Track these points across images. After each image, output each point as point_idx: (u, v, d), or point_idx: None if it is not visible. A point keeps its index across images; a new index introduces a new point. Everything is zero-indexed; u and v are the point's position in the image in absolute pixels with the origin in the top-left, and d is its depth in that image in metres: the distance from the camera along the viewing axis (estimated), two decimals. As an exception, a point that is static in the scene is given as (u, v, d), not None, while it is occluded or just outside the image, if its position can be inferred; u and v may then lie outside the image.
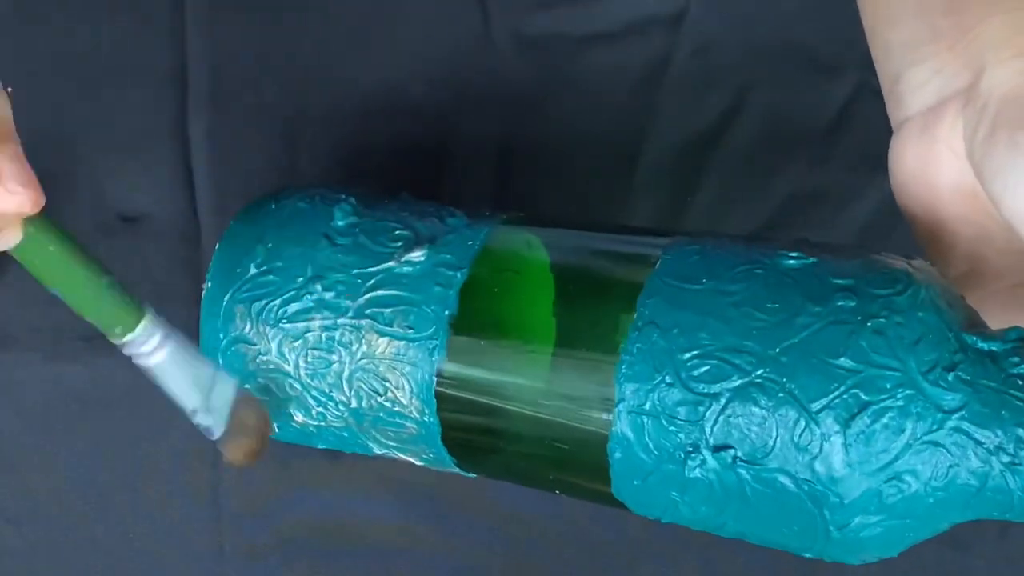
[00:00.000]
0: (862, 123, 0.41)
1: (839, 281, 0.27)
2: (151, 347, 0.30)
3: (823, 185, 0.41)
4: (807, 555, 0.29)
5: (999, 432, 0.26)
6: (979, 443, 0.26)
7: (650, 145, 0.42)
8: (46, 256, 0.28)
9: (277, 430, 0.34)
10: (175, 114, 0.43)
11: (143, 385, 0.42)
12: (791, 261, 0.28)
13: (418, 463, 0.34)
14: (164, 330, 0.30)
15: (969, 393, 0.26)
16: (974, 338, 0.27)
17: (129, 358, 0.31)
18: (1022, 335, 0.27)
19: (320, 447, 0.35)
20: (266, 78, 0.43)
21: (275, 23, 0.44)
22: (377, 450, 0.34)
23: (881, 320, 0.26)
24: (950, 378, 0.26)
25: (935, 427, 0.26)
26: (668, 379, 0.28)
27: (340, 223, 0.33)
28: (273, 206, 0.34)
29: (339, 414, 0.33)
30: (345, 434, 0.34)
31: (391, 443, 0.33)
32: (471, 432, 0.33)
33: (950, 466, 0.26)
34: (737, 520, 0.29)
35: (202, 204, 0.42)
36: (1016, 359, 0.26)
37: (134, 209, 0.43)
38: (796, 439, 0.27)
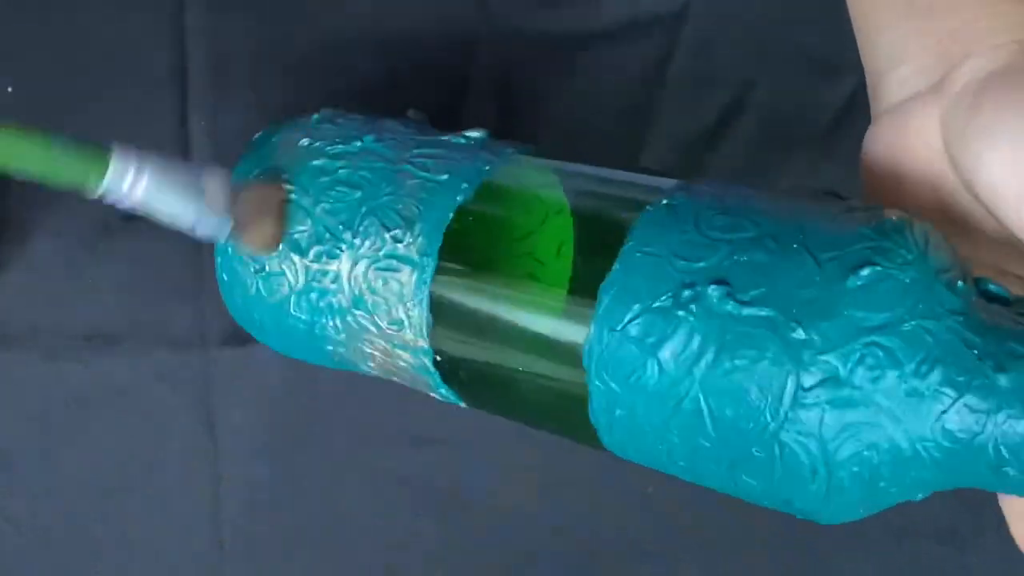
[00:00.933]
0: (862, 123, 0.41)
1: (857, 218, 0.27)
2: (129, 182, 0.29)
3: (823, 185, 0.41)
4: (758, 451, 0.27)
5: (993, 343, 0.25)
6: (970, 345, 0.25)
7: (650, 145, 0.42)
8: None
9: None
10: (175, 114, 0.43)
11: (143, 385, 0.42)
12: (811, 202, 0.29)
13: (388, 340, 0.33)
14: (135, 159, 0.29)
15: (972, 305, 0.26)
16: (986, 279, 0.27)
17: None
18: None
19: (295, 316, 0.34)
20: (266, 78, 0.43)
21: (275, 22, 0.44)
22: (354, 314, 0.33)
23: (902, 222, 0.27)
24: (959, 285, 0.26)
25: (930, 316, 0.26)
26: (687, 225, 0.28)
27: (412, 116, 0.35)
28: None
29: (336, 255, 0.33)
30: (331, 287, 0.33)
31: (375, 298, 0.33)
32: (456, 310, 0.32)
33: (935, 360, 0.25)
34: (699, 388, 0.27)
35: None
36: (1021, 307, 0.26)
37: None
38: (797, 279, 0.26)
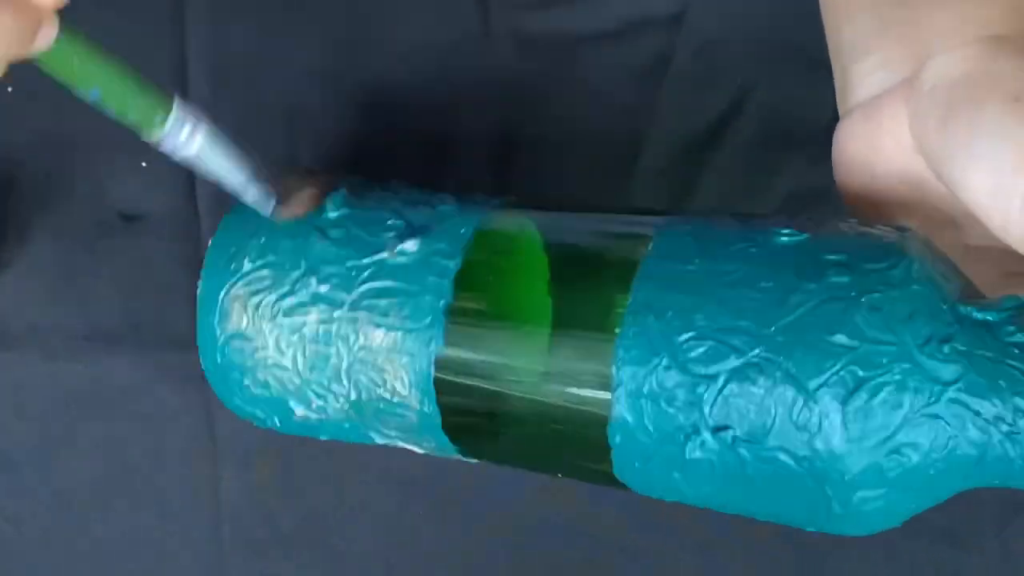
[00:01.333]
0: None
1: (832, 257, 0.27)
2: (190, 128, 0.30)
3: (823, 185, 0.41)
4: (811, 529, 0.29)
5: (997, 402, 0.26)
6: (977, 414, 0.26)
7: (650, 145, 0.42)
8: (81, 54, 0.28)
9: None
10: (175, 114, 0.43)
11: (143, 385, 0.42)
12: (784, 238, 0.28)
13: (420, 452, 0.34)
14: (193, 112, 0.30)
15: (966, 364, 0.26)
16: (969, 308, 0.27)
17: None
18: (1018, 303, 0.26)
19: (322, 438, 0.35)
20: (266, 77, 0.43)
21: (275, 22, 0.44)
22: (379, 440, 0.34)
23: (876, 295, 0.26)
24: (946, 350, 0.26)
25: (933, 400, 0.26)
26: (665, 362, 0.28)
27: (332, 215, 0.33)
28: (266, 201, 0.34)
29: (339, 406, 0.33)
30: (346, 425, 0.34)
31: (393, 432, 0.33)
32: (472, 418, 0.33)
33: (949, 437, 0.26)
34: (740, 499, 0.29)
35: (202, 204, 0.42)
36: (1012, 328, 0.26)
37: (134, 208, 0.43)
38: (795, 418, 0.27)
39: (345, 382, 0.33)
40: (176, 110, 0.29)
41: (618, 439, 0.29)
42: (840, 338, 0.26)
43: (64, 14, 0.44)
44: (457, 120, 0.43)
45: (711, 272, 0.28)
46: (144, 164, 0.43)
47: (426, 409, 0.32)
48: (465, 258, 0.31)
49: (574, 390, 0.30)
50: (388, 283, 0.32)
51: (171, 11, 0.43)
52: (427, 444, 0.34)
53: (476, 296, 0.31)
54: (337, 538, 0.41)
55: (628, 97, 0.43)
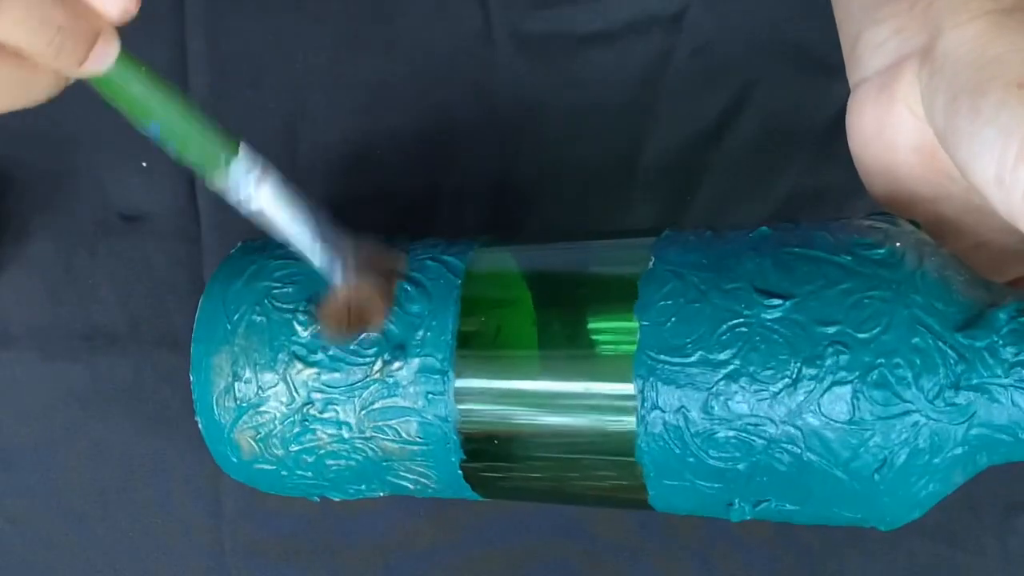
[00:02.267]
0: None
1: (825, 330, 0.27)
2: (256, 176, 0.28)
3: (823, 185, 0.41)
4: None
5: (1015, 421, 0.27)
6: (996, 437, 0.27)
7: (650, 145, 0.42)
8: (141, 81, 0.26)
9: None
10: (175, 114, 0.43)
11: (143, 385, 0.42)
12: (771, 312, 0.28)
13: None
14: (261, 161, 0.28)
15: (979, 397, 0.27)
16: (968, 340, 0.27)
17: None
18: (1011, 313, 0.27)
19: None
20: (266, 78, 0.43)
21: (275, 22, 0.44)
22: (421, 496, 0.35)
23: (878, 370, 0.27)
24: (958, 397, 0.27)
25: (957, 442, 0.27)
26: (690, 459, 0.28)
27: (304, 336, 0.32)
28: (228, 326, 0.33)
29: (375, 494, 0.34)
30: (389, 498, 0.35)
31: (434, 495, 0.34)
32: (506, 487, 0.34)
33: (977, 453, 0.27)
34: (788, 521, 0.30)
35: (202, 204, 0.42)
36: (1013, 348, 0.27)
37: (134, 208, 0.43)
38: (831, 491, 0.28)
39: (376, 483, 0.33)
40: (243, 154, 0.28)
41: (659, 505, 0.31)
42: (857, 421, 0.27)
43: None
44: (458, 120, 0.43)
45: (709, 363, 0.28)
46: (144, 164, 0.43)
47: (463, 492, 0.33)
48: (456, 370, 0.31)
49: (601, 468, 0.31)
50: (388, 403, 0.31)
51: (171, 10, 0.43)
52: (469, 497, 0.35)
53: (479, 394, 0.31)
54: (337, 538, 0.41)
55: (628, 97, 0.42)
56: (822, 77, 0.41)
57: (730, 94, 0.42)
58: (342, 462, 0.32)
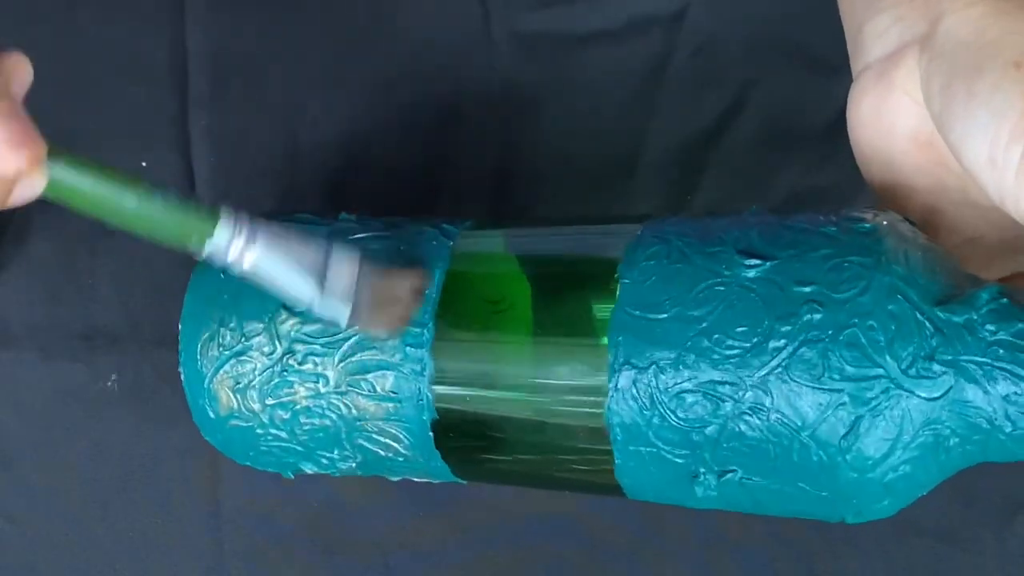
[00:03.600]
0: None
1: (802, 289, 0.27)
2: (239, 248, 0.28)
3: (823, 185, 0.41)
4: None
5: (990, 404, 0.26)
6: (970, 419, 0.26)
7: (650, 145, 0.42)
8: (84, 192, 0.26)
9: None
10: (175, 114, 0.43)
11: (143, 385, 0.42)
12: (750, 271, 0.28)
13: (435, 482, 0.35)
14: (250, 226, 0.28)
15: (954, 374, 0.26)
16: (947, 314, 0.27)
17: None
18: (993, 293, 0.26)
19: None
20: (266, 77, 0.43)
21: (275, 22, 0.44)
22: (393, 478, 0.35)
23: (851, 329, 0.26)
24: (933, 367, 0.26)
25: (928, 420, 0.26)
26: (656, 419, 0.28)
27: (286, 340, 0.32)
28: (221, 275, 0.33)
29: (347, 464, 0.34)
30: (359, 471, 0.34)
31: (405, 474, 0.34)
32: (476, 459, 0.33)
33: (949, 439, 0.27)
34: (753, 508, 0.30)
35: (202, 203, 0.42)
36: (992, 327, 0.26)
37: (134, 208, 0.43)
38: (795, 459, 0.27)
39: (348, 447, 0.33)
40: (222, 224, 0.27)
41: (625, 480, 0.30)
42: (825, 381, 0.26)
43: (63, 26, 0.44)
44: (458, 120, 0.43)
45: (684, 319, 0.28)
46: (144, 164, 0.43)
47: (432, 463, 0.33)
48: (437, 325, 0.31)
49: (572, 438, 0.31)
50: (367, 356, 0.31)
51: (171, 11, 0.43)
52: (437, 479, 0.34)
53: (460, 351, 0.31)
54: (337, 538, 0.41)
55: (628, 97, 0.43)
56: (822, 77, 0.41)
57: (730, 94, 0.42)
58: (316, 420, 0.32)
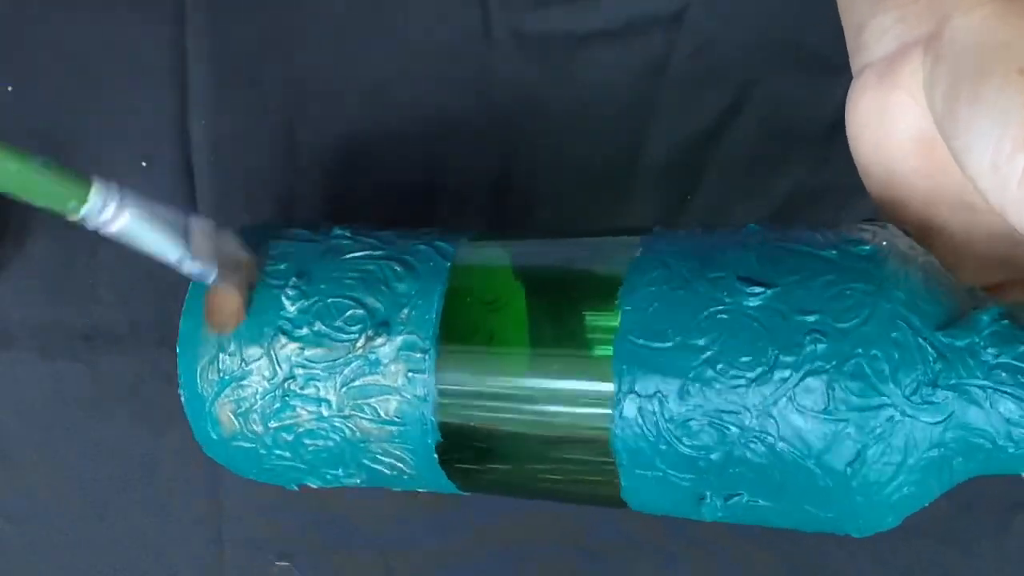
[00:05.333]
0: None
1: (805, 318, 0.27)
2: (111, 212, 0.29)
3: (823, 185, 0.41)
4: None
5: (993, 426, 0.26)
6: (973, 440, 0.27)
7: (650, 145, 0.42)
8: None
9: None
10: (175, 114, 0.43)
11: (143, 385, 0.42)
12: (752, 300, 0.28)
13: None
14: (119, 192, 0.29)
15: (956, 399, 0.26)
16: (949, 339, 0.27)
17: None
18: (994, 315, 0.27)
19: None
20: (266, 77, 0.43)
21: (275, 23, 0.44)
22: (399, 490, 0.35)
23: (855, 360, 0.26)
24: (936, 393, 0.26)
25: (932, 443, 0.27)
26: (662, 446, 0.28)
27: (290, 310, 0.32)
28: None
29: (352, 481, 0.34)
30: (365, 486, 0.34)
31: (411, 487, 0.34)
32: (481, 476, 0.34)
33: (953, 459, 0.27)
34: (759, 523, 0.30)
35: (202, 204, 0.42)
36: (994, 350, 0.26)
37: (134, 208, 0.43)
38: (803, 486, 0.27)
39: (352, 467, 0.33)
40: (96, 188, 0.28)
41: (633, 501, 0.30)
42: (831, 412, 0.27)
43: (63, 26, 0.44)
44: (457, 120, 0.43)
45: (687, 348, 0.28)
46: (144, 164, 0.43)
47: (438, 480, 0.33)
48: (439, 348, 0.31)
49: (583, 474, 0.31)
50: (369, 381, 0.31)
51: (171, 11, 0.43)
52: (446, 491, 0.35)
53: (462, 375, 0.31)
54: (337, 538, 0.41)
55: (628, 97, 0.42)
56: (822, 77, 0.41)
57: (730, 93, 0.42)
58: (320, 442, 0.32)
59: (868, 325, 0.27)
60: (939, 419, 0.26)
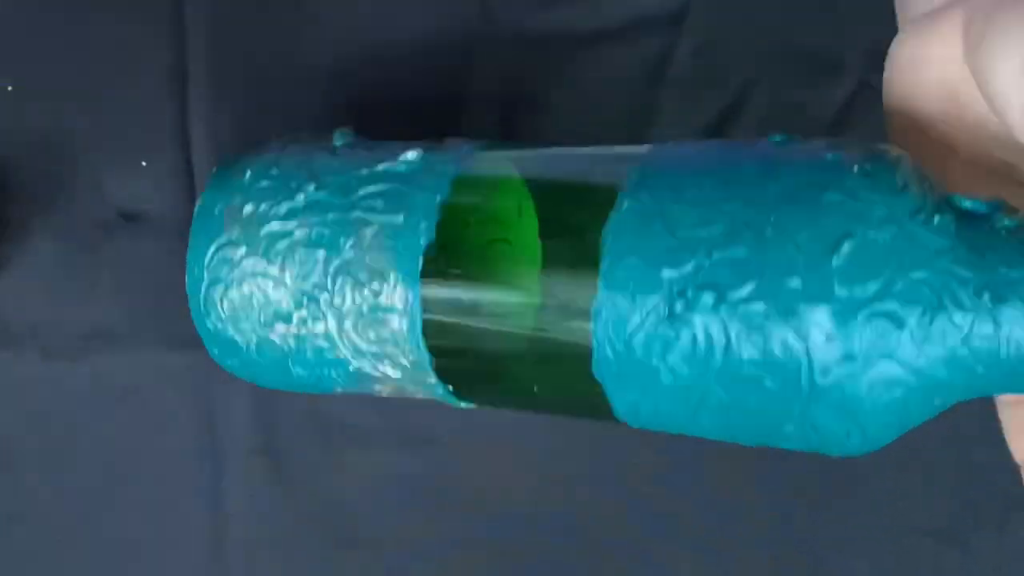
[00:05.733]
0: (862, 123, 0.41)
1: (823, 148, 0.28)
2: None
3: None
4: (790, 428, 0.28)
5: (985, 272, 0.26)
6: (964, 282, 0.26)
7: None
8: None
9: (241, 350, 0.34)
10: (175, 114, 0.43)
11: (143, 385, 0.42)
12: (774, 139, 0.29)
13: (394, 375, 0.33)
14: None
15: (954, 236, 0.26)
16: (958, 198, 0.27)
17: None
18: (1001, 205, 0.27)
19: (297, 371, 0.34)
20: (266, 78, 0.43)
21: (275, 22, 0.44)
22: (355, 363, 0.33)
23: (868, 165, 0.27)
24: (936, 221, 0.26)
25: (920, 264, 0.26)
26: (657, 227, 0.28)
27: (339, 143, 0.34)
28: (275, 141, 0.35)
29: (321, 316, 0.33)
30: (325, 344, 0.33)
31: (372, 347, 0.33)
32: (452, 333, 0.32)
33: (935, 308, 0.26)
34: (717, 384, 0.28)
35: None
36: (1000, 215, 0.26)
37: (134, 208, 0.43)
38: (782, 268, 0.26)
39: (330, 285, 0.32)
40: None
41: (603, 314, 0.29)
42: (831, 196, 0.26)
43: (63, 26, 0.44)
44: (458, 120, 0.43)
45: (699, 155, 0.29)
46: (144, 164, 0.43)
47: (410, 308, 0.31)
48: (462, 172, 0.31)
49: (561, 299, 0.30)
50: (386, 186, 0.32)
51: (171, 11, 0.43)
52: (404, 360, 0.33)
53: (467, 210, 0.31)
54: (337, 539, 0.41)
55: (628, 97, 0.43)
56: (822, 77, 0.41)
57: (730, 93, 0.42)
58: (309, 250, 0.32)
59: (885, 155, 0.28)
60: (933, 248, 0.26)
